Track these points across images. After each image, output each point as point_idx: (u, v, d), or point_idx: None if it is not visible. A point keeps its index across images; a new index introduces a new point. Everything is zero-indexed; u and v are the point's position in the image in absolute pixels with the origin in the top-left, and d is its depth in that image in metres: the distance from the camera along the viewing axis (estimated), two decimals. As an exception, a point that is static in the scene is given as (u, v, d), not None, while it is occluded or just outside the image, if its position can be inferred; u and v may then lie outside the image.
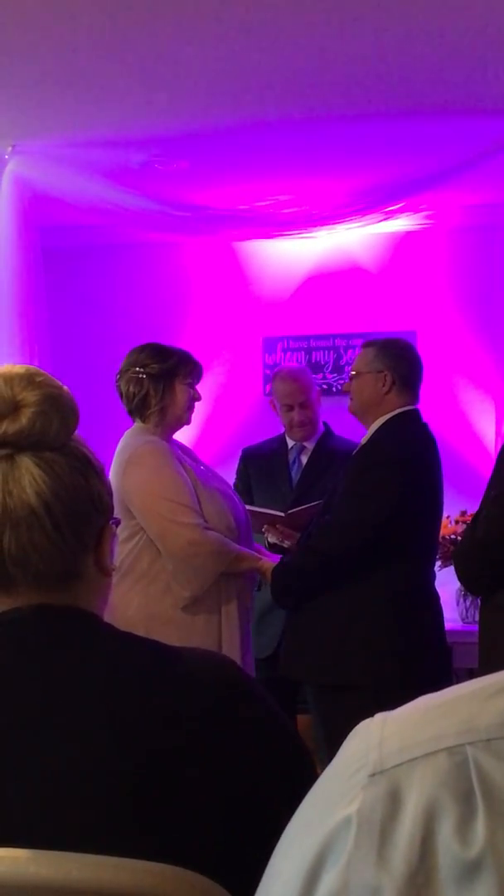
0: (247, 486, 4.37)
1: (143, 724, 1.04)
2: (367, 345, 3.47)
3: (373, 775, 0.59)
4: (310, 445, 4.31)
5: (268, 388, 5.49)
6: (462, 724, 0.59)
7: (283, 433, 4.39)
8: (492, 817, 0.56)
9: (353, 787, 0.60)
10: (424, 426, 3.35)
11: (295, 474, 4.30)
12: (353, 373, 3.40)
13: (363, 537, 3.14)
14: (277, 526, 3.62)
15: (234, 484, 4.39)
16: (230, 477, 3.92)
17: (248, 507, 3.69)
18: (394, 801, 0.58)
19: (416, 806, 0.57)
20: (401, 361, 3.33)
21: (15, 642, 1.11)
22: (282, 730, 1.14)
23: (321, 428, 4.33)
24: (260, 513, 3.69)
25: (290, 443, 4.35)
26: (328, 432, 4.34)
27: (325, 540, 3.23)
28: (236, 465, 4.52)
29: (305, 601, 3.27)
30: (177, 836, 1.00)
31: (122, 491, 3.07)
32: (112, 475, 3.08)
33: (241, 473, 4.47)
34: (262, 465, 4.41)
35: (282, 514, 3.68)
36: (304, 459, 4.30)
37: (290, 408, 4.23)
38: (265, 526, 3.63)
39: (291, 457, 4.34)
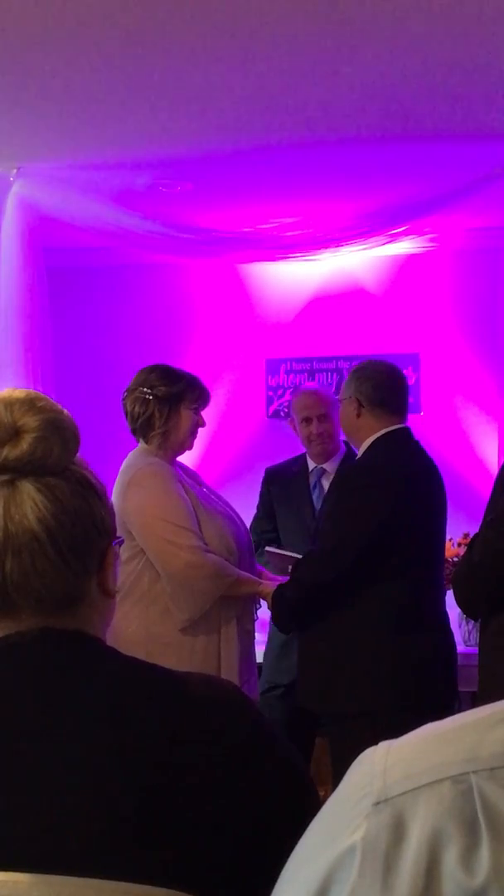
0: (269, 508, 4.28)
1: (146, 748, 1.03)
2: None
3: (377, 804, 0.59)
4: (330, 469, 4.16)
5: (271, 409, 5.50)
6: (466, 752, 0.59)
7: (305, 453, 4.27)
8: (496, 845, 0.56)
9: (357, 815, 0.60)
10: (415, 444, 3.32)
11: (316, 500, 4.17)
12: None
13: (348, 562, 3.11)
14: None
15: (258, 505, 4.34)
16: (233, 498, 3.88)
17: (267, 549, 3.71)
18: (398, 829, 0.58)
19: (421, 834, 0.57)
20: (365, 383, 3.31)
21: (17, 665, 1.11)
22: (286, 756, 1.14)
23: (342, 448, 4.19)
24: (280, 555, 3.62)
25: (311, 465, 4.23)
26: (349, 454, 4.13)
27: (309, 570, 3.21)
28: (259, 486, 4.41)
29: (304, 627, 3.26)
30: (180, 860, 0.99)
31: (123, 512, 3.07)
32: (114, 496, 3.08)
33: (264, 495, 4.36)
34: (283, 487, 4.29)
35: (300, 557, 3.63)
36: (326, 484, 4.15)
37: (309, 421, 4.10)
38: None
39: (312, 480, 4.21)
